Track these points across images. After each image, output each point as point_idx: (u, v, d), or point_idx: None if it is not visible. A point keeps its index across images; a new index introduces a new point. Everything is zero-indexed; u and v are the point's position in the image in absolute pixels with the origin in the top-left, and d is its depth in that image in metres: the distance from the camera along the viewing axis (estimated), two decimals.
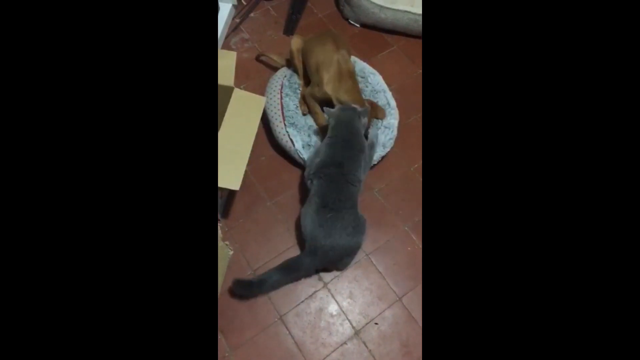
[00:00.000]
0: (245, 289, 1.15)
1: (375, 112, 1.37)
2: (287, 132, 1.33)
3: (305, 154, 1.32)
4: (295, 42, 1.43)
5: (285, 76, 1.44)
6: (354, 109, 1.24)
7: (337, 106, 1.27)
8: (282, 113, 1.35)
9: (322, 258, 1.13)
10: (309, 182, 1.21)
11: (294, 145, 1.32)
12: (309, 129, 1.37)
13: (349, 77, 1.31)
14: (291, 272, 1.16)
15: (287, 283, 1.19)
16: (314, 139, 1.35)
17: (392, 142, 1.40)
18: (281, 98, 1.38)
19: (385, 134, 1.39)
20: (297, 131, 1.34)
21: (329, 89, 1.30)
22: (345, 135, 1.21)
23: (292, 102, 1.39)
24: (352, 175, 1.16)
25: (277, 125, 1.35)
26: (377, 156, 1.36)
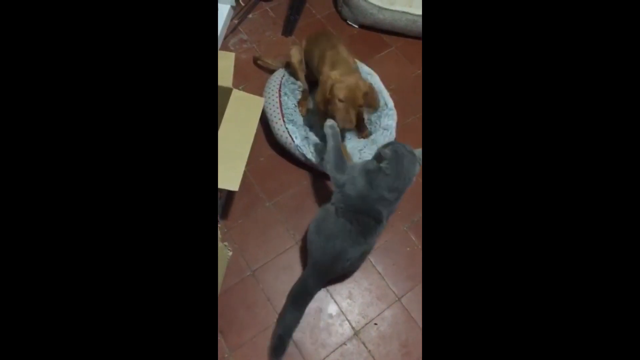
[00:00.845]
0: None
1: (372, 100, 1.28)
2: (286, 128, 1.34)
3: (304, 149, 1.33)
4: (294, 55, 1.42)
5: (283, 76, 1.46)
6: (413, 153, 1.07)
7: (394, 149, 1.06)
8: (281, 111, 1.37)
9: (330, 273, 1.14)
10: (333, 206, 1.10)
11: (293, 141, 1.33)
12: (307, 126, 1.40)
13: (344, 63, 1.27)
14: (305, 298, 1.13)
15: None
16: (311, 134, 1.37)
17: None
18: (280, 97, 1.39)
19: (384, 135, 1.39)
20: (296, 127, 1.36)
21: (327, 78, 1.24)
22: (399, 184, 1.05)
23: (291, 101, 1.41)
24: (382, 221, 1.08)
25: (277, 123, 1.37)
26: None
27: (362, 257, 1.13)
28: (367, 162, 1.08)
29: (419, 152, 1.08)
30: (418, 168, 1.07)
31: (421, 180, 1.41)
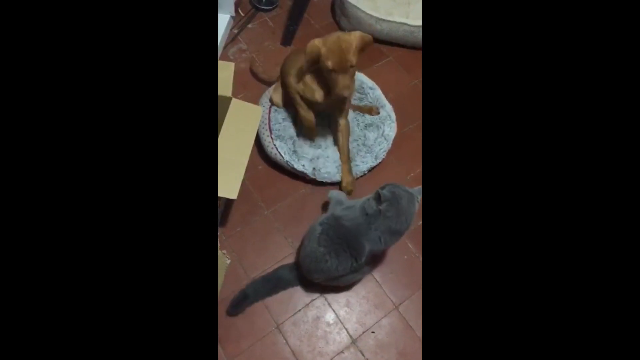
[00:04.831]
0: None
1: (365, 48, 1.19)
2: (274, 145, 1.35)
3: (294, 163, 1.34)
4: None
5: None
6: (410, 192, 1.07)
7: (391, 190, 1.05)
8: (269, 126, 1.38)
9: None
10: (320, 227, 1.11)
11: (282, 157, 1.34)
12: (293, 140, 1.40)
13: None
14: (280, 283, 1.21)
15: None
16: (299, 149, 1.37)
17: (384, 153, 1.42)
18: (269, 112, 1.41)
19: (379, 142, 1.41)
20: (284, 143, 1.37)
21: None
22: (400, 225, 1.05)
23: (280, 115, 1.42)
24: (360, 260, 1.06)
25: (265, 140, 1.38)
26: (366, 167, 1.38)
27: (336, 280, 1.14)
28: (366, 202, 1.07)
29: (416, 190, 1.09)
30: (417, 206, 1.07)
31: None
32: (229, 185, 1.05)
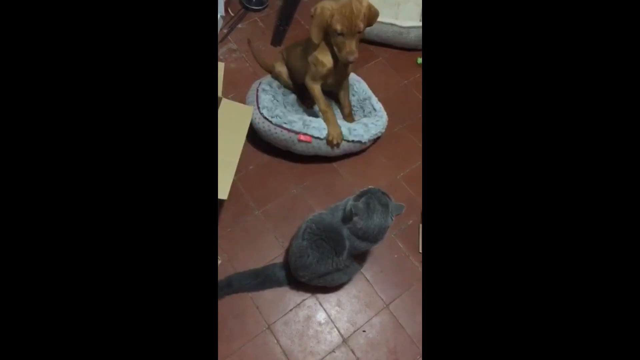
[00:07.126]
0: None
1: (371, 19, 1.26)
2: (261, 113, 1.36)
3: (284, 119, 1.34)
4: (278, 66, 1.48)
5: (263, 77, 1.50)
6: (387, 205, 1.05)
7: (366, 202, 1.04)
8: (257, 102, 1.39)
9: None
10: (305, 224, 1.14)
11: (270, 121, 1.35)
12: (279, 113, 1.41)
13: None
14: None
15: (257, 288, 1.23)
16: (281, 112, 1.38)
17: (382, 129, 1.46)
18: (258, 91, 1.42)
19: (374, 121, 1.45)
20: (269, 110, 1.37)
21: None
22: (369, 236, 1.05)
23: (267, 96, 1.42)
24: (341, 254, 1.08)
25: (254, 113, 1.38)
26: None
27: (323, 279, 1.14)
28: (347, 205, 1.07)
29: (393, 206, 1.07)
30: (390, 221, 1.07)
31: (409, 188, 1.43)
32: (219, 185, 1.05)
